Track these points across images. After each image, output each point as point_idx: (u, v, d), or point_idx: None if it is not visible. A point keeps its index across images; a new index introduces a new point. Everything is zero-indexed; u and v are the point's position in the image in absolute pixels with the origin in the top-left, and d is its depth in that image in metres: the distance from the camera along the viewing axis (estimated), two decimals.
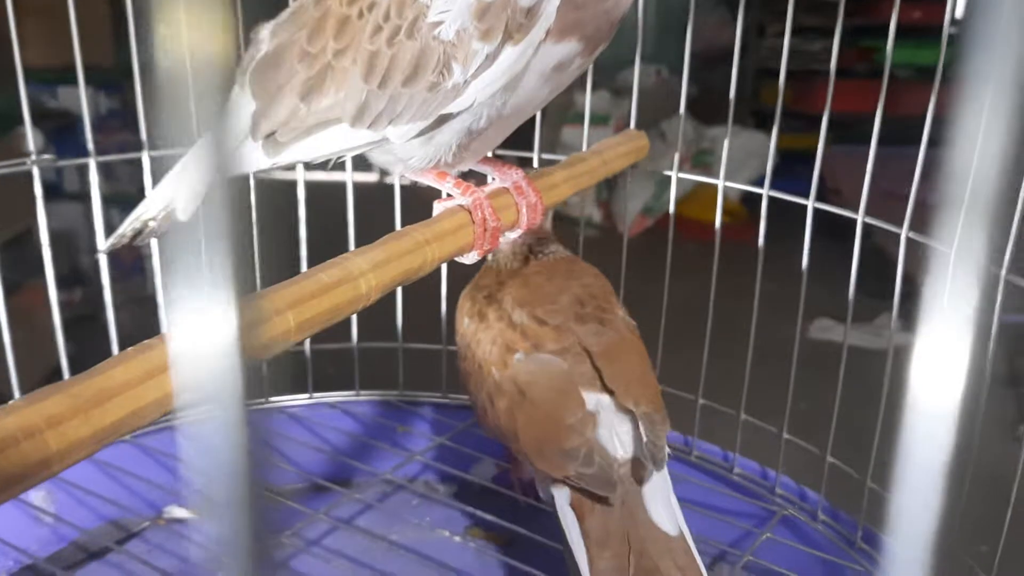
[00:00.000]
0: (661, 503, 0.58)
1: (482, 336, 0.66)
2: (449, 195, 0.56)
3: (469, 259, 0.56)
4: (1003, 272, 0.62)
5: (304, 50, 0.50)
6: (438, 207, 0.55)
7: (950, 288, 0.14)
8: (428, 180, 0.56)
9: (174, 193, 0.58)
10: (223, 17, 0.15)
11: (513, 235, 0.59)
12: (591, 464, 0.57)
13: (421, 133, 0.51)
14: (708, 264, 0.77)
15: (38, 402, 0.34)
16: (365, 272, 0.47)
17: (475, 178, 0.59)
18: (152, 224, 0.59)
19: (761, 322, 0.74)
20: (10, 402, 0.34)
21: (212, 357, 0.16)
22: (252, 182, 0.81)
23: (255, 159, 0.54)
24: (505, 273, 0.70)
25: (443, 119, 0.50)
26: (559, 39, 0.47)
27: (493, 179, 0.59)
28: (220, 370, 0.16)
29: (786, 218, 0.81)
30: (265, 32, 0.53)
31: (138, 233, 0.60)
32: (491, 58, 0.46)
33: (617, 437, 0.59)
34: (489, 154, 0.63)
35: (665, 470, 0.60)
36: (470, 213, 0.54)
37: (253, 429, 0.16)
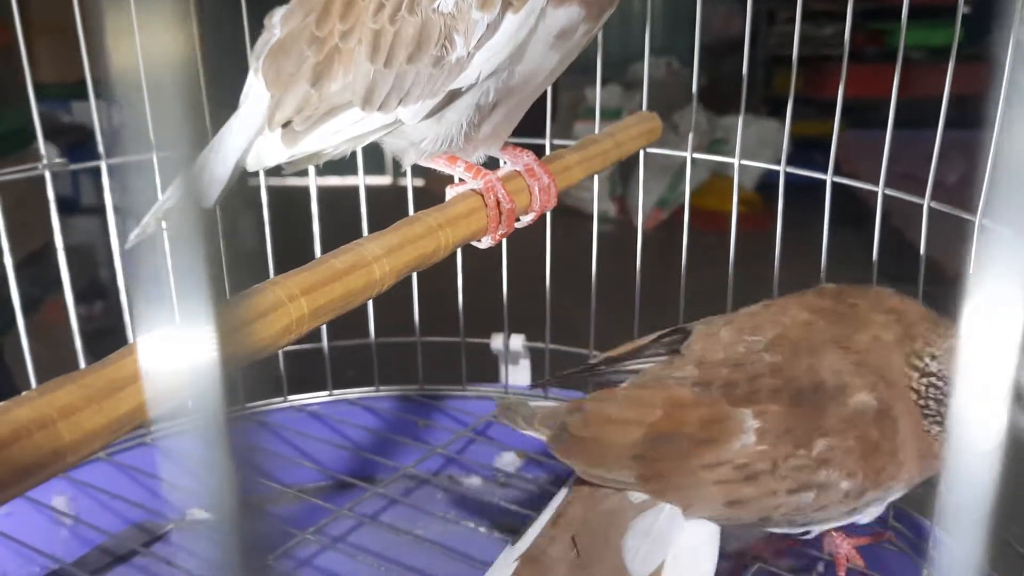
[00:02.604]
0: (654, 534, 0.54)
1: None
2: (461, 180, 0.55)
3: (484, 243, 0.55)
4: (927, 202, 0.61)
5: (313, 34, 0.50)
6: (451, 192, 0.55)
7: (1002, 269, 0.14)
8: (439, 165, 0.55)
9: (195, 182, 0.57)
10: (175, 19, 0.15)
11: (527, 218, 0.58)
12: None
13: (431, 113, 0.50)
14: (725, 255, 0.76)
15: (50, 393, 0.33)
16: (379, 257, 0.46)
17: (487, 164, 0.59)
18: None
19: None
20: (22, 393, 0.33)
21: (189, 369, 0.15)
22: (264, 186, 0.81)
23: (274, 150, 0.54)
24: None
25: (452, 96, 0.49)
26: (560, 4, 0.47)
27: (505, 163, 0.58)
28: (199, 382, 0.15)
29: (802, 207, 0.80)
30: (276, 18, 0.53)
31: (161, 223, 0.59)
32: (492, 28, 0.45)
33: None
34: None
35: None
36: (483, 197, 0.54)
37: (236, 439, 0.15)
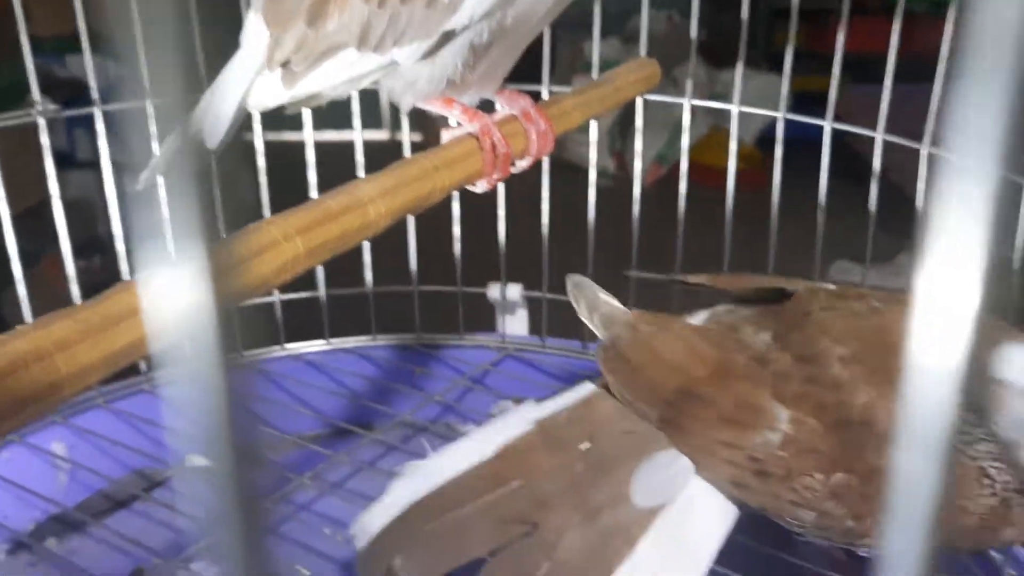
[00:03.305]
0: (668, 477, 0.52)
1: None
2: (458, 123, 0.55)
3: (479, 188, 0.55)
4: (926, 147, 0.61)
5: None
6: (446, 135, 0.55)
7: (959, 204, 0.12)
8: (435, 108, 0.55)
9: (199, 123, 0.57)
10: None
11: (524, 163, 0.58)
12: None
13: (426, 54, 0.50)
14: (724, 210, 0.75)
15: (47, 326, 0.34)
16: (373, 198, 0.46)
17: (484, 110, 0.58)
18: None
19: (780, 265, 0.73)
20: (18, 327, 0.34)
21: (184, 311, 0.15)
22: (260, 141, 0.80)
23: (273, 91, 0.53)
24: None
25: (446, 37, 0.49)
26: None
27: (501, 107, 0.58)
28: (194, 324, 0.15)
29: (802, 163, 0.80)
30: None
31: (171, 167, 0.59)
32: None
33: None
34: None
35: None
36: (478, 140, 0.53)
37: (234, 384, 0.15)
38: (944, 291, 0.12)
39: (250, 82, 0.54)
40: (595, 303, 0.58)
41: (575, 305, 0.59)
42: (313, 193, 0.80)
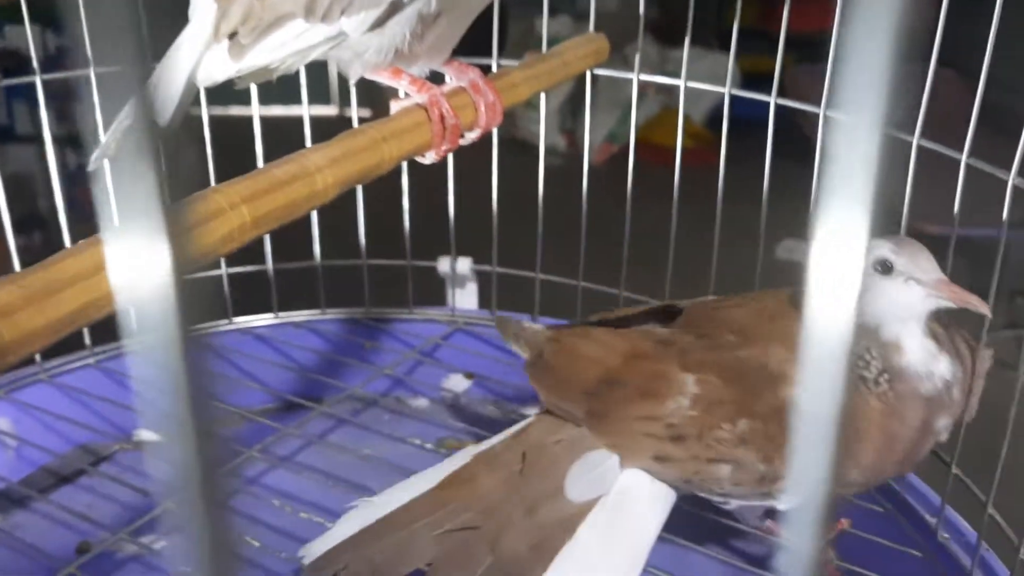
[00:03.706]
0: (600, 473, 0.56)
1: None
2: (406, 94, 0.55)
3: (428, 159, 0.55)
4: (915, 138, 0.63)
5: None
6: (395, 106, 0.55)
7: (847, 160, 0.13)
8: (383, 79, 0.54)
9: (150, 99, 0.56)
10: None
11: (472, 135, 0.58)
12: None
13: (375, 25, 0.49)
14: (673, 188, 0.76)
15: None
16: (321, 168, 0.46)
17: (433, 81, 0.58)
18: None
19: (726, 243, 0.75)
20: None
21: (145, 279, 0.15)
22: (206, 116, 0.79)
23: (221, 64, 0.53)
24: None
25: (394, 7, 0.48)
26: None
27: (450, 79, 0.58)
28: (154, 293, 0.15)
29: (751, 143, 0.81)
30: None
31: (121, 144, 0.58)
32: None
33: None
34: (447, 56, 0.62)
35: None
36: (427, 111, 0.53)
37: (194, 352, 0.15)
38: (837, 240, 0.13)
39: (199, 56, 0.53)
40: (520, 330, 0.63)
41: (503, 335, 0.64)
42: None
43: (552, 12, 0.78)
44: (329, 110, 2.73)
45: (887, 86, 0.12)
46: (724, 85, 0.74)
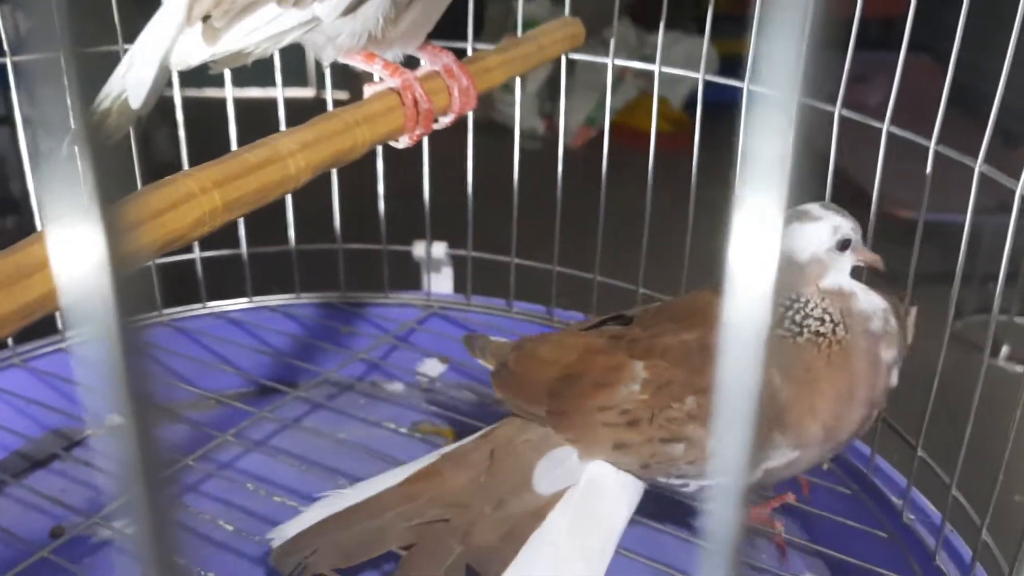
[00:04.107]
0: (567, 467, 0.58)
1: None
2: (380, 79, 0.55)
3: (402, 143, 0.55)
4: (837, 109, 0.63)
5: None
6: (368, 90, 0.54)
7: (766, 132, 0.13)
8: (357, 63, 0.54)
9: (124, 83, 0.56)
10: None
11: (446, 120, 0.58)
12: None
13: (348, 10, 0.49)
14: (648, 172, 0.77)
15: None
16: (294, 152, 0.46)
17: (408, 65, 0.58)
18: (111, 119, 0.57)
19: (699, 227, 0.75)
20: None
21: (84, 272, 0.15)
22: (179, 97, 0.79)
23: (195, 48, 0.52)
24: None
25: None
26: None
27: (424, 63, 0.58)
28: (93, 285, 0.15)
29: (728, 127, 0.81)
30: None
31: (99, 128, 0.58)
32: None
33: None
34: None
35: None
36: (400, 95, 0.53)
37: (133, 344, 0.15)
38: (756, 207, 0.13)
39: (172, 39, 0.53)
40: (485, 344, 0.66)
41: (471, 352, 0.67)
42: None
43: None
44: (306, 92, 2.71)
45: (802, 61, 0.12)
46: (701, 66, 0.74)
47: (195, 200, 0.41)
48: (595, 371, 0.58)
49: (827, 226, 0.56)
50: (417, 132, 0.54)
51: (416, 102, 0.53)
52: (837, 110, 0.65)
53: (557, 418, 0.59)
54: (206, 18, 0.52)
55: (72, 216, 0.15)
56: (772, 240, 0.13)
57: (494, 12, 2.79)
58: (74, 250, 0.15)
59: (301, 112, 0.67)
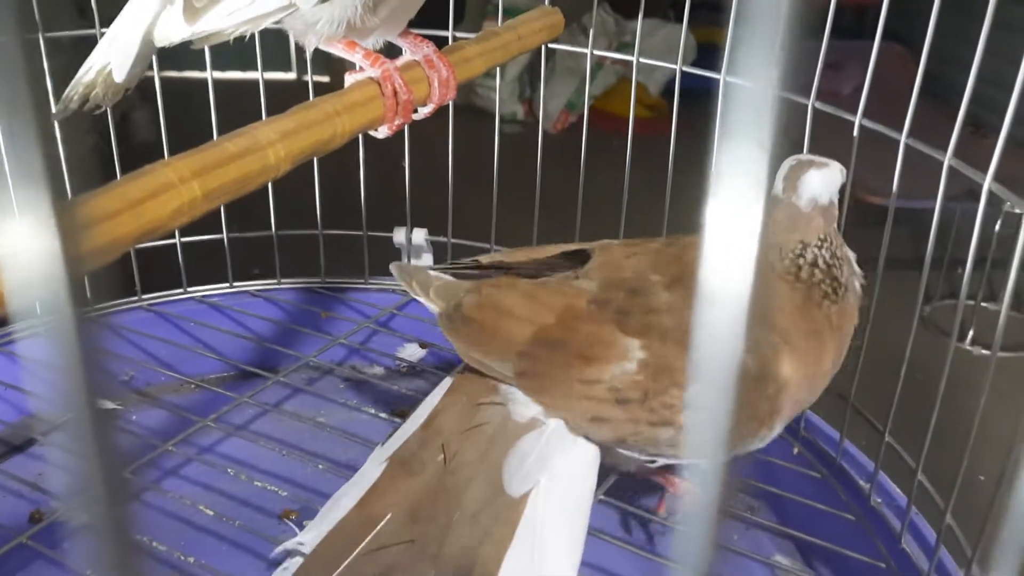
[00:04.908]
0: (535, 456, 0.55)
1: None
2: (361, 68, 0.55)
3: (381, 133, 0.56)
4: (811, 101, 0.64)
5: None
6: (349, 79, 0.55)
7: (744, 126, 0.14)
8: (338, 51, 0.55)
9: (108, 56, 0.56)
10: None
11: (425, 110, 0.59)
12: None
13: None
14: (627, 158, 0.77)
15: None
16: (273, 142, 0.46)
17: (389, 53, 0.59)
18: (97, 91, 0.57)
19: (676, 210, 0.76)
20: None
21: (35, 268, 0.14)
22: (159, 79, 0.78)
23: (176, 25, 0.53)
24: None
25: None
26: None
27: (405, 52, 0.58)
28: (44, 281, 0.15)
29: (705, 114, 0.82)
30: None
31: (85, 101, 0.58)
32: None
33: None
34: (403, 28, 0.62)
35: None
36: (380, 85, 0.54)
37: (86, 340, 0.15)
38: (735, 189, 0.14)
39: (155, 15, 0.53)
40: (427, 281, 0.60)
41: (405, 287, 0.61)
42: (216, 134, 0.78)
43: None
44: (288, 75, 2.70)
45: (778, 53, 0.13)
46: (679, 56, 0.75)
47: (174, 190, 0.41)
48: (579, 341, 0.55)
49: (837, 169, 0.56)
50: (396, 122, 0.55)
51: (396, 92, 0.54)
52: (811, 103, 0.66)
53: (529, 381, 0.55)
54: None
55: (25, 209, 0.14)
56: (752, 223, 0.13)
57: None
58: (25, 245, 0.14)
59: (282, 95, 0.68)
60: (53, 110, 0.56)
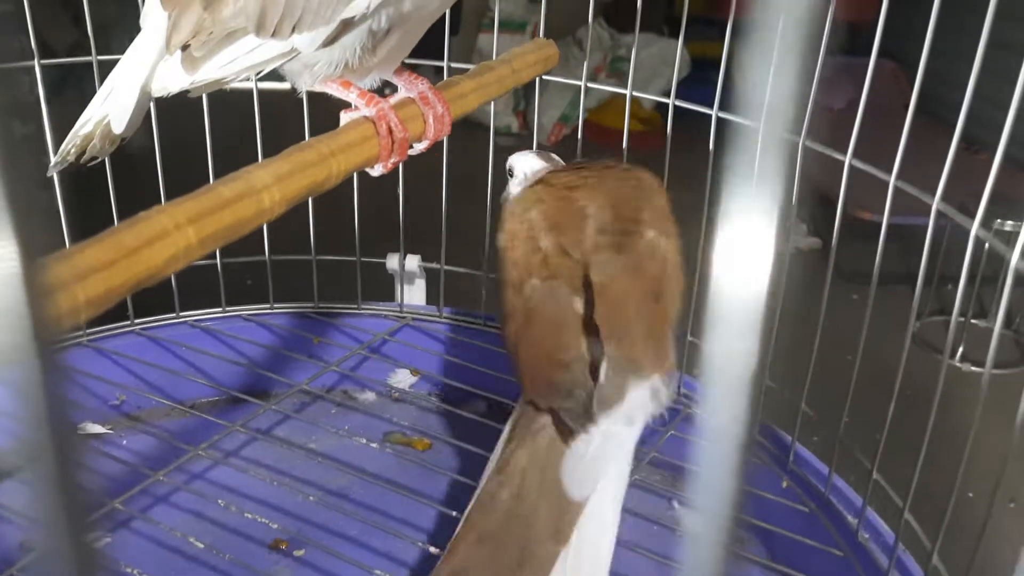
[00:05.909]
0: (589, 458, 0.56)
1: (511, 254, 0.62)
2: (356, 107, 0.55)
3: (376, 171, 0.56)
4: (801, 139, 0.65)
5: None
6: (344, 118, 0.55)
7: (756, 163, 0.14)
8: (333, 90, 0.55)
9: (106, 108, 0.56)
10: None
11: (421, 146, 0.59)
12: (570, 398, 0.56)
13: (327, 42, 0.50)
14: None
15: None
16: (268, 186, 0.47)
17: (388, 89, 0.59)
18: (94, 142, 0.57)
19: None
20: None
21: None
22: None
23: (175, 76, 0.53)
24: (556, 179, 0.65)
25: (346, 25, 0.49)
26: None
27: (400, 89, 0.59)
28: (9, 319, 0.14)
29: (698, 127, 0.83)
30: None
31: (82, 152, 0.58)
32: None
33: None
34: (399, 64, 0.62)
35: (631, 427, 0.57)
36: (375, 124, 0.54)
37: (51, 382, 0.15)
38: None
39: (152, 65, 0.53)
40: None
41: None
42: (209, 143, 0.79)
43: None
44: (283, 85, 2.70)
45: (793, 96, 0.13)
46: (673, 70, 0.76)
47: (169, 237, 0.41)
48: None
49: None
50: (391, 160, 0.55)
51: (391, 131, 0.54)
52: (802, 139, 0.66)
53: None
54: (185, 47, 0.52)
55: None
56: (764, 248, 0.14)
57: (469, 9, 2.79)
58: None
59: (277, 105, 0.68)
60: (52, 162, 0.56)
